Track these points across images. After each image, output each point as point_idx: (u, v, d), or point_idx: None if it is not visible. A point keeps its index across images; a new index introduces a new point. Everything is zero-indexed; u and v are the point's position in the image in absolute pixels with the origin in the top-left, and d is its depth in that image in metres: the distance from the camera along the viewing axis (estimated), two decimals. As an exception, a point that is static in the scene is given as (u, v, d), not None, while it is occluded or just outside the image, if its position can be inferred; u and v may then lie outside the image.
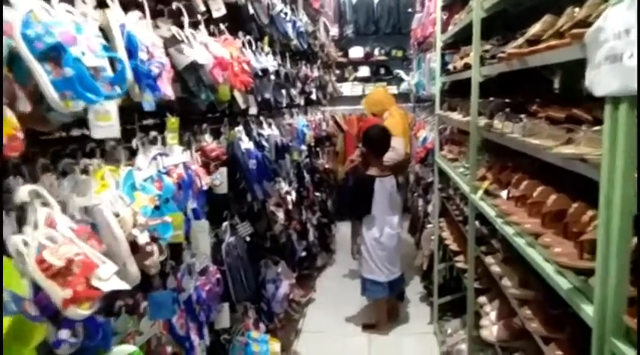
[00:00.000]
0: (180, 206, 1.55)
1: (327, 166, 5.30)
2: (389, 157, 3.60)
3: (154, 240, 1.24)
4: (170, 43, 1.65)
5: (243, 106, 2.46)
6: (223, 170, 2.10)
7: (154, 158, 1.54)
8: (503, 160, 2.33)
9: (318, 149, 5.11)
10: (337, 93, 6.56)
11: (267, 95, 2.64)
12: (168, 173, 1.55)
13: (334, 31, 6.94)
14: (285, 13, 3.43)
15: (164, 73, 1.45)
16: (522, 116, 1.91)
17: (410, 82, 5.71)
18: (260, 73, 2.55)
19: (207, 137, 2.11)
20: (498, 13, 2.32)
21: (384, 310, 3.76)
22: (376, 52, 7.39)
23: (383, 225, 3.44)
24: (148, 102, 1.33)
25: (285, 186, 3.26)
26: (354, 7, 7.38)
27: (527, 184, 1.77)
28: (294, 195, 3.38)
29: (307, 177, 4.23)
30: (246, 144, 2.37)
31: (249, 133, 2.59)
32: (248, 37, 2.65)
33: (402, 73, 7.29)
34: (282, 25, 3.32)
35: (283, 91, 3.19)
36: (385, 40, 7.41)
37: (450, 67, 3.33)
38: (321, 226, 5.03)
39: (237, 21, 2.51)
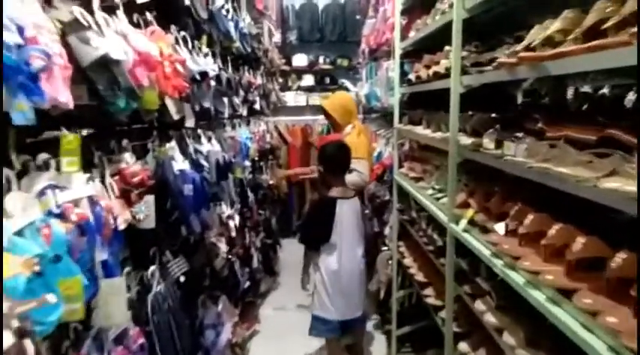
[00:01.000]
0: (82, 261, 1.07)
1: (271, 182, 4.86)
2: (353, 182, 3.12)
3: (25, 334, 0.77)
4: (71, 29, 1.17)
5: (176, 117, 1.99)
6: (149, 199, 1.63)
7: (42, 193, 1.06)
8: (485, 184, 2.02)
9: (261, 163, 4.67)
10: (281, 103, 6.15)
11: (206, 104, 2.17)
12: (63, 214, 1.06)
13: (277, 37, 6.55)
14: (227, 11, 2.98)
15: (56, 68, 0.98)
16: (519, 135, 1.59)
17: (359, 93, 5.39)
18: (198, 77, 2.09)
19: (128, 156, 1.62)
20: (470, 19, 2.00)
21: (338, 350, 3.21)
22: (321, 60, 7.08)
23: (343, 255, 2.91)
24: (22, 113, 0.85)
25: (227, 210, 2.79)
26: (298, 12, 7.03)
27: (535, 219, 1.44)
28: (237, 219, 2.92)
29: (251, 195, 3.77)
30: (180, 164, 1.90)
31: (184, 150, 2.12)
32: (183, 33, 2.19)
33: (347, 83, 7.02)
34: (224, 23, 2.87)
35: (225, 100, 2.73)
36: (330, 49, 7.11)
37: (412, 76, 3.02)
38: (265, 247, 4.58)
39: (169, 12, 2.05)
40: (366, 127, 3.84)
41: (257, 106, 4.16)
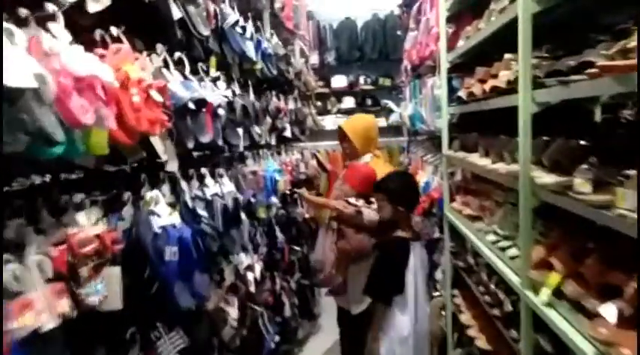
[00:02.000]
0: None
1: (307, 216, 4.40)
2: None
3: None
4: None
5: (164, 157, 1.59)
6: (112, 272, 1.21)
7: None
8: (568, 232, 1.48)
9: (296, 196, 4.23)
10: (318, 128, 5.72)
11: (204, 139, 1.75)
12: None
13: (314, 58, 6.18)
14: (244, 28, 2.59)
15: None
16: (630, 173, 1.07)
17: (402, 114, 4.89)
18: (192, 106, 1.68)
19: (83, 217, 1.21)
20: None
21: None
22: (361, 80, 6.63)
23: (416, 307, 2.42)
24: None
25: (245, 259, 2.35)
26: (335, 32, 6.65)
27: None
28: (258, 269, 2.47)
29: (280, 235, 3.32)
30: (164, 219, 1.48)
31: (178, 197, 1.71)
32: (178, 53, 1.80)
33: (390, 104, 6.53)
34: (238, 42, 2.48)
35: (239, 130, 2.32)
36: (371, 68, 6.66)
37: (462, 93, 2.51)
38: (301, 289, 4.11)
39: (156, 28, 1.66)
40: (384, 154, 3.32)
41: (287, 133, 3.75)
